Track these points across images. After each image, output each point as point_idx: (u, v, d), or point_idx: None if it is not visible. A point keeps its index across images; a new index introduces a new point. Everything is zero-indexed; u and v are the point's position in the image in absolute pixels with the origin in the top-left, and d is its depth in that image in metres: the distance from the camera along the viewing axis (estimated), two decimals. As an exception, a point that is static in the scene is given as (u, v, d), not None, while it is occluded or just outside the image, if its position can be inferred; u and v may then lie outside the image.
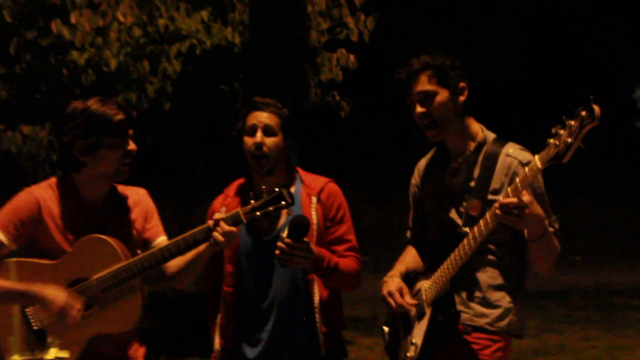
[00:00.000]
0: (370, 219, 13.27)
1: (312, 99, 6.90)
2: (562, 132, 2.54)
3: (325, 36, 6.99)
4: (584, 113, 2.50)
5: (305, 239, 2.87)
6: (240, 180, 3.18)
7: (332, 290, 3.09)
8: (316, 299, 3.05)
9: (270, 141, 3.02)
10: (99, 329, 2.83)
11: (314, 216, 3.04)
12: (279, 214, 2.87)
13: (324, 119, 7.50)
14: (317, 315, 3.04)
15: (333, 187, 3.13)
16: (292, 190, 3.01)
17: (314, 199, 3.07)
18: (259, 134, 3.01)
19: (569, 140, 2.52)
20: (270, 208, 2.80)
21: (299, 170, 3.18)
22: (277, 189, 2.82)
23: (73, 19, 5.73)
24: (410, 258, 3.15)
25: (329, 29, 6.99)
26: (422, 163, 3.16)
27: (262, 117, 3.03)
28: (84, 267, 2.81)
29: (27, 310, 2.83)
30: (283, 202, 2.80)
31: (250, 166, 3.07)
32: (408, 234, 3.22)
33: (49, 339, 2.74)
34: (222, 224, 2.77)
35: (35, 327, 2.83)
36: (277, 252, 2.85)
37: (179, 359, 6.71)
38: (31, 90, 6.38)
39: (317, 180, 3.14)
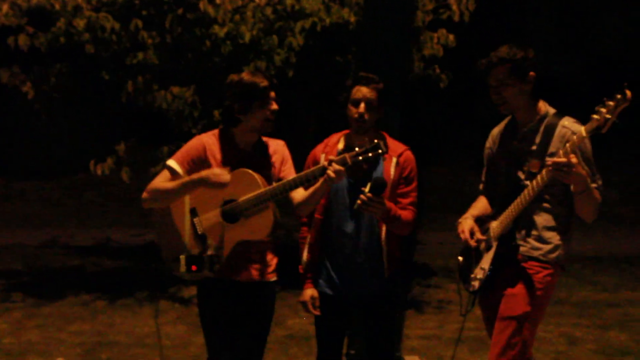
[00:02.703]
0: (466, 184, 13.77)
1: (415, 71, 7.22)
2: (602, 110, 3.05)
3: (429, 16, 7.28)
4: (619, 96, 3.05)
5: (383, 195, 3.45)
6: (339, 134, 3.72)
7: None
8: (383, 235, 3.63)
9: (370, 112, 3.58)
10: (243, 236, 3.47)
11: (392, 172, 3.58)
12: (377, 160, 3.40)
13: (426, 91, 7.96)
14: (383, 246, 3.63)
15: (409, 153, 3.66)
16: None
17: (394, 160, 3.59)
18: (362, 106, 3.56)
19: (607, 116, 3.04)
20: (370, 154, 3.33)
21: (385, 134, 3.67)
22: (375, 140, 3.34)
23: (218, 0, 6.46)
24: (481, 205, 3.67)
25: (433, 9, 7.31)
26: (496, 130, 3.65)
27: (365, 92, 3.57)
28: (235, 191, 3.46)
29: (194, 219, 3.50)
30: (380, 150, 3.33)
31: (351, 127, 3.65)
32: (481, 186, 3.73)
33: (209, 241, 3.45)
34: (334, 164, 3.33)
35: (199, 232, 3.49)
36: (359, 202, 3.41)
37: (295, 290, 7.65)
38: (179, 57, 6.98)
39: (398, 146, 3.66)
